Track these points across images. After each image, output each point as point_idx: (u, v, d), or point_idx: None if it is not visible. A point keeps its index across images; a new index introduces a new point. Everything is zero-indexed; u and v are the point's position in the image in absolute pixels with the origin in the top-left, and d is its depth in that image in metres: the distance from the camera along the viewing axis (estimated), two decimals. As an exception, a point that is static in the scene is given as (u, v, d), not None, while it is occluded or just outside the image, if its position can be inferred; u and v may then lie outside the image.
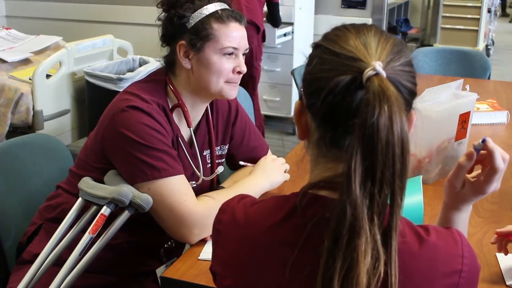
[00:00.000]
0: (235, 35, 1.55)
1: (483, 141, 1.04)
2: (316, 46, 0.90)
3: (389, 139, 0.77)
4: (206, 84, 1.56)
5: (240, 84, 1.69)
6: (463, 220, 1.13)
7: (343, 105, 0.82)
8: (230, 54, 1.55)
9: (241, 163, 1.80)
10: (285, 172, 1.79)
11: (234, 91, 1.61)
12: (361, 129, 0.77)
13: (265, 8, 4.33)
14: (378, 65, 0.81)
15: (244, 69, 1.58)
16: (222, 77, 1.56)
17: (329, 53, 0.86)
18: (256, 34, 4.16)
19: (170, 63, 1.61)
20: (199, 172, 1.65)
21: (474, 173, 1.10)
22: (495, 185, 1.06)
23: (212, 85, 1.56)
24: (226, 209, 0.99)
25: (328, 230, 0.78)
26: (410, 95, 0.86)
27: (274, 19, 4.44)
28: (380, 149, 0.77)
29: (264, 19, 4.33)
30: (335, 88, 0.83)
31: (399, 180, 0.78)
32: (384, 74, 0.81)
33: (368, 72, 0.80)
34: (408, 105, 0.86)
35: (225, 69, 1.55)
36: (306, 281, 0.83)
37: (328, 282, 0.77)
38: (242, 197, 1.00)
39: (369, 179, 0.77)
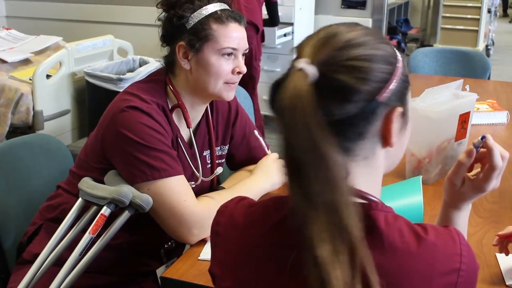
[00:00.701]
0: (234, 35, 1.55)
1: (483, 138, 1.04)
2: None
3: (293, 136, 0.77)
4: (204, 85, 1.56)
5: (240, 84, 1.69)
6: (463, 219, 1.13)
7: (273, 101, 0.85)
8: (229, 54, 1.55)
9: (256, 132, 1.81)
10: None
11: (232, 93, 1.61)
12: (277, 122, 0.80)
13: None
14: (303, 61, 0.82)
15: (244, 69, 1.58)
16: (221, 78, 1.55)
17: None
18: (255, 34, 4.17)
19: (170, 63, 1.61)
20: (198, 172, 1.65)
21: (473, 172, 1.10)
22: (494, 182, 1.07)
23: (210, 86, 1.56)
24: (224, 211, 0.99)
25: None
26: (357, 92, 0.82)
27: (273, 19, 4.44)
28: (290, 143, 0.78)
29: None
30: (272, 86, 0.86)
31: (317, 170, 0.77)
32: (309, 70, 0.81)
33: (293, 69, 0.82)
34: (356, 103, 0.83)
35: (223, 70, 1.55)
36: (305, 282, 0.83)
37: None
38: (240, 199, 1.00)
39: (292, 172, 0.78)
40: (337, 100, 0.82)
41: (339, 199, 0.76)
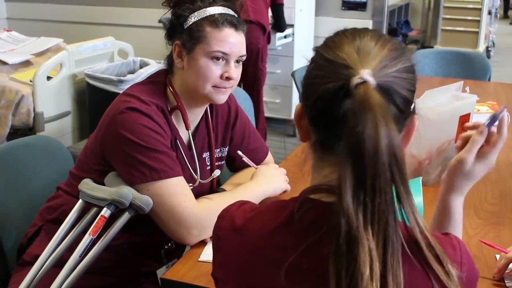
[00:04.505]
0: (227, 40, 1.53)
1: (502, 112, 1.11)
2: (315, 50, 0.91)
3: (376, 148, 0.76)
4: (194, 86, 1.56)
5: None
6: (461, 207, 1.14)
7: (331, 112, 0.83)
8: (218, 59, 1.54)
9: (240, 153, 1.75)
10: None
11: (223, 96, 1.59)
12: (348, 138, 0.78)
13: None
14: (367, 73, 0.81)
15: (233, 75, 1.56)
16: (209, 82, 1.54)
17: (324, 59, 0.87)
18: (262, 35, 4.15)
19: (170, 62, 1.62)
20: (196, 174, 1.65)
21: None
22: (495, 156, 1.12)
23: (199, 88, 1.56)
24: (225, 215, 1.00)
25: (328, 237, 0.78)
26: (405, 102, 0.85)
27: (279, 23, 4.43)
28: (368, 158, 0.76)
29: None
30: (324, 95, 0.84)
31: (401, 186, 0.78)
32: (372, 81, 0.81)
33: (355, 80, 0.81)
34: (403, 112, 0.86)
35: (211, 73, 1.54)
36: (307, 286, 0.83)
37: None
38: (241, 203, 1.01)
39: (360, 188, 0.77)
40: (391, 109, 0.84)
41: (395, 218, 0.78)
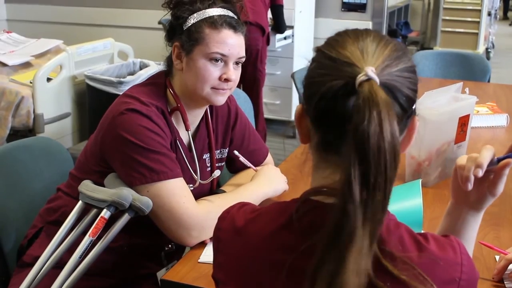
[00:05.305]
0: (225, 42, 1.53)
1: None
2: (316, 50, 0.90)
3: (380, 146, 0.76)
4: (192, 87, 1.56)
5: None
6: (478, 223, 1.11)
7: (335, 110, 0.83)
8: (217, 60, 1.54)
9: (236, 153, 1.75)
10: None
11: (221, 98, 1.59)
12: (353, 136, 0.77)
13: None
14: (371, 71, 0.81)
15: (232, 77, 1.55)
16: (207, 83, 1.54)
17: (327, 58, 0.86)
18: (261, 36, 4.15)
19: (169, 64, 1.63)
20: (196, 175, 1.65)
21: None
22: None
23: (198, 90, 1.56)
24: (226, 216, 1.00)
25: (323, 235, 0.78)
26: (408, 101, 0.86)
27: (279, 24, 4.43)
28: (372, 155, 0.76)
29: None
30: (328, 93, 0.83)
31: (390, 185, 0.78)
32: (376, 79, 0.81)
33: (360, 78, 0.80)
34: (406, 112, 0.86)
35: (210, 75, 1.54)
36: (304, 286, 0.83)
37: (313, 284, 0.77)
38: (242, 205, 1.01)
39: (364, 186, 0.76)
40: (395, 107, 0.84)
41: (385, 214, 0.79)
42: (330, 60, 0.85)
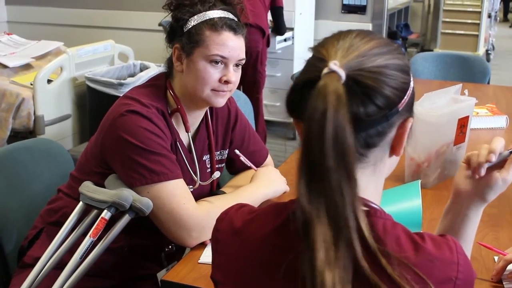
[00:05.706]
0: (225, 44, 1.53)
1: None
2: (309, 50, 0.92)
3: (321, 134, 0.76)
4: (192, 89, 1.57)
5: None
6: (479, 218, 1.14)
7: (300, 104, 0.84)
8: (217, 62, 1.54)
9: (237, 151, 1.75)
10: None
11: (221, 99, 1.59)
12: (303, 126, 0.79)
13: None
14: (334, 64, 0.81)
15: (232, 79, 1.56)
16: (207, 85, 1.55)
17: (311, 57, 0.89)
18: (261, 38, 4.16)
19: (170, 66, 1.63)
20: (196, 177, 1.66)
21: None
22: None
23: (198, 92, 1.56)
24: (224, 218, 1.00)
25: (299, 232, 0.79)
26: (386, 99, 0.84)
27: (279, 26, 4.43)
28: (314, 144, 0.77)
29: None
30: (296, 86, 0.86)
31: (337, 176, 0.77)
32: (341, 73, 0.81)
33: (324, 71, 0.82)
34: (382, 109, 0.84)
35: (210, 77, 1.54)
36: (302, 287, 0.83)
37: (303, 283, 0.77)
38: (240, 206, 1.01)
39: (310, 176, 0.78)
40: (362, 103, 0.83)
41: (347, 204, 0.78)
42: (311, 58, 0.88)
